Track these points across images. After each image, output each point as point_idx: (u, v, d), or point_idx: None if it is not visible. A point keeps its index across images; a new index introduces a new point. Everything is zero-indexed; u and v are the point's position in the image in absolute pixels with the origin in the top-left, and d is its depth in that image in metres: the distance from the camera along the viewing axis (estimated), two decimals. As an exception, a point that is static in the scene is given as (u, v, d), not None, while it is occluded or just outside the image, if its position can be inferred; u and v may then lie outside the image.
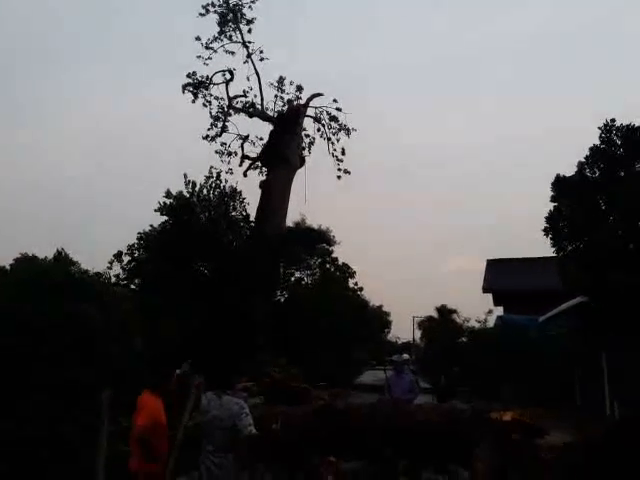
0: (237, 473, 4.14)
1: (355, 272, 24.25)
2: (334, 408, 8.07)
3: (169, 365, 5.44)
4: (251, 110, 19.58)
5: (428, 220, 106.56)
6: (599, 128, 12.20)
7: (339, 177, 20.12)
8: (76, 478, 6.35)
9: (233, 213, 14.88)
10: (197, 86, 19.28)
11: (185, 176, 14.69)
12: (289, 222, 17.82)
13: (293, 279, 20.13)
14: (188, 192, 14.50)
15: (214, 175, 15.01)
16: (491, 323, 25.12)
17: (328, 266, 22.76)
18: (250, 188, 22.79)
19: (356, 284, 25.02)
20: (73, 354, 6.40)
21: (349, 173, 20.23)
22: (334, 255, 23.27)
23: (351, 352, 25.75)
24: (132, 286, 13.77)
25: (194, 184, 14.55)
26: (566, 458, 5.18)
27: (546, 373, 18.58)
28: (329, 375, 19.38)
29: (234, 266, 13.02)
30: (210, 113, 19.35)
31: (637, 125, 11.93)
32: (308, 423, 7.85)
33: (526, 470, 5.92)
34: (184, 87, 19.16)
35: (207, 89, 19.34)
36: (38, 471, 6.02)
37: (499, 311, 26.25)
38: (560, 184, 11.68)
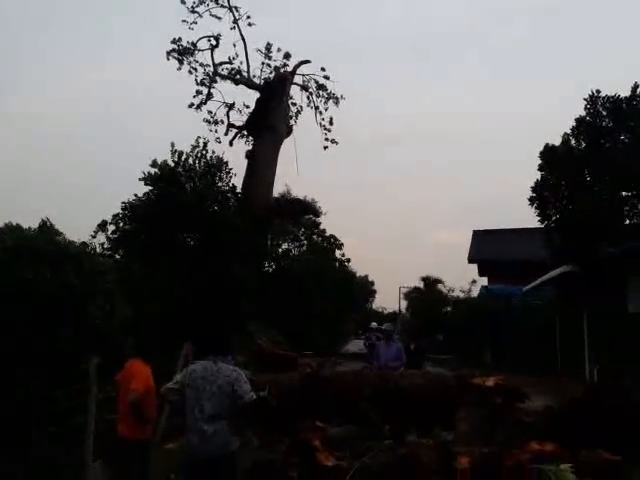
0: (230, 439, 4.13)
1: (342, 244, 24.36)
2: (321, 375, 8.21)
3: (157, 335, 5.44)
4: (237, 77, 19.15)
5: (414, 191, 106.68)
6: (584, 99, 12.17)
7: (326, 147, 19.89)
8: (65, 444, 6.41)
9: (219, 183, 14.68)
10: (182, 53, 18.78)
11: (172, 145, 14.43)
12: (275, 193, 17.72)
13: (280, 250, 20.15)
14: (174, 161, 14.25)
15: (200, 145, 14.76)
16: (475, 293, 25.55)
17: (315, 237, 22.82)
18: (237, 158, 22.60)
19: (343, 255, 25.16)
20: (56, 322, 6.37)
21: (337, 143, 19.97)
22: (322, 227, 23.34)
23: (337, 322, 26.11)
24: (117, 256, 13.63)
25: (180, 154, 14.29)
26: (546, 418, 5.34)
27: (528, 341, 19.06)
28: (316, 344, 19.66)
29: (220, 237, 12.94)
30: (196, 80, 18.94)
31: (623, 96, 11.91)
32: (295, 390, 7.98)
33: (508, 431, 6.09)
34: (168, 53, 18.67)
35: (192, 55, 18.87)
36: (26, 438, 6.05)
37: (484, 281, 26.66)
38: (548, 154, 11.72)
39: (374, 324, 11.87)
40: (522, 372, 12.30)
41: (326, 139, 19.81)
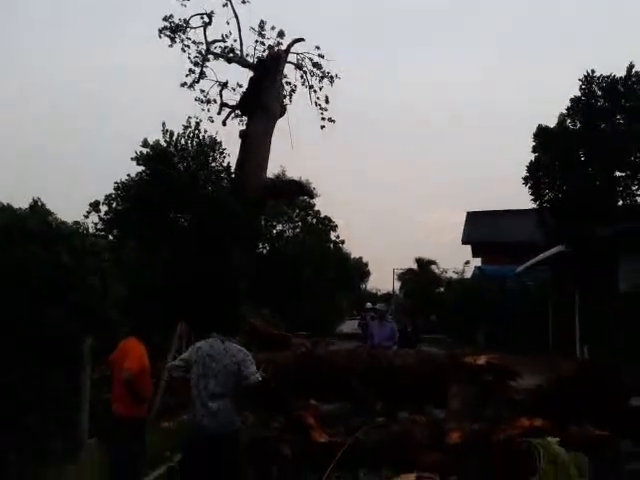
0: (234, 417, 4.18)
1: (337, 225, 24.40)
2: (315, 354, 8.27)
3: (151, 313, 5.42)
4: (230, 56, 18.87)
5: (409, 173, 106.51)
6: (579, 80, 12.10)
7: (322, 127, 19.65)
8: (60, 425, 6.44)
9: (213, 164, 14.54)
10: (174, 30, 18.48)
11: (163, 125, 14.26)
12: (270, 174, 17.58)
13: (275, 232, 20.11)
14: (166, 141, 14.09)
15: (192, 124, 14.58)
16: (469, 274, 25.68)
17: (310, 219, 22.81)
18: (230, 138, 22.45)
19: (338, 237, 25.21)
20: (47, 302, 6.35)
21: (334, 122, 19.71)
22: (316, 208, 23.30)
23: (331, 303, 26.29)
24: (110, 237, 13.57)
25: (172, 133, 14.13)
26: (536, 396, 5.42)
27: (521, 321, 19.28)
28: (310, 324, 19.79)
29: (214, 218, 12.86)
30: (189, 59, 18.66)
31: (618, 76, 11.84)
32: (289, 369, 8.05)
33: (499, 409, 6.19)
34: (160, 31, 18.38)
35: (184, 33, 18.57)
36: (20, 420, 6.07)
37: (477, 262, 26.78)
38: (541, 135, 11.68)
39: (369, 304, 12.01)
40: (514, 352, 12.45)
41: (322, 118, 19.59)
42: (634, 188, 10.80)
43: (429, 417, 6.20)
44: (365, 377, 7.49)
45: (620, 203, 10.92)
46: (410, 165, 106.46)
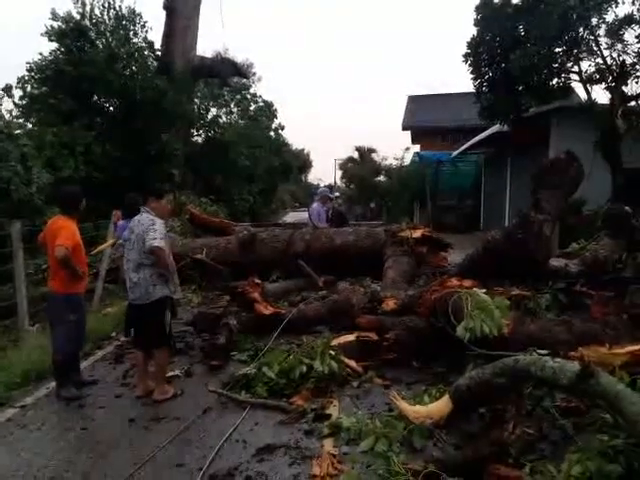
0: (153, 288, 4.19)
1: (276, 110, 23.44)
2: (257, 237, 8.33)
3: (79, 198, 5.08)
4: None
5: (351, 55, 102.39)
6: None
7: None
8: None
9: (134, 39, 13.14)
10: None
11: (72, -8, 12.57)
12: (209, 53, 16.23)
13: (210, 116, 19.01)
14: (79, 13, 12.53)
15: (106, -8, 12.88)
16: (408, 160, 25.93)
17: (247, 103, 21.62)
18: (154, 11, 20.27)
19: (279, 124, 24.35)
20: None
21: None
22: (253, 91, 22.02)
23: (273, 191, 26.17)
24: (29, 125, 12.44)
25: (84, 2, 12.52)
26: (466, 262, 5.76)
27: (454, 203, 20.16)
28: (252, 215, 19.76)
29: (140, 100, 11.91)
30: None
31: None
32: (233, 251, 8.12)
33: (432, 277, 6.58)
34: None
35: None
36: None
37: (417, 149, 26.93)
38: (485, 7, 11.22)
39: (323, 189, 11.63)
40: (448, 232, 13.13)
41: None
42: (569, 65, 10.79)
43: (367, 288, 6.48)
44: (306, 254, 7.71)
45: (555, 81, 10.93)
46: (355, 46, 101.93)
